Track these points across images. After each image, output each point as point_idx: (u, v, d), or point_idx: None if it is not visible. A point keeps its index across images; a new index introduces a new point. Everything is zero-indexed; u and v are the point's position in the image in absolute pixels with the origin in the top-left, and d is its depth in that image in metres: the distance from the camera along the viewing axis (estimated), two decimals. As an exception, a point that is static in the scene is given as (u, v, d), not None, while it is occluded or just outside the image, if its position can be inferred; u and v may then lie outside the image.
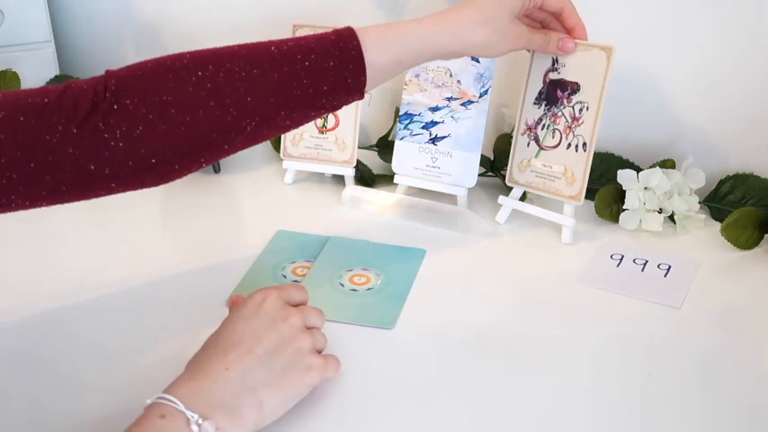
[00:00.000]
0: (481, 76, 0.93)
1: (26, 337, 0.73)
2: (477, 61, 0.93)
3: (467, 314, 0.77)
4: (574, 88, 0.87)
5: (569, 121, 0.87)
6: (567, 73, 0.88)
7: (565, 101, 0.88)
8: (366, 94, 0.73)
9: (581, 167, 0.87)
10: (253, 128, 0.69)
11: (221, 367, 0.59)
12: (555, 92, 0.89)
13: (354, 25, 0.98)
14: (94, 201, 1.01)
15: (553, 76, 0.89)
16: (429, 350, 0.72)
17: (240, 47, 0.69)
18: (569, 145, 0.87)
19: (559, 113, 0.88)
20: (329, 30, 0.73)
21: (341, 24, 1.00)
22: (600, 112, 0.85)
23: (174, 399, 0.56)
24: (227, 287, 0.81)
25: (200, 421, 0.55)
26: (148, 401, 0.57)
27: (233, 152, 0.70)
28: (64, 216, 0.98)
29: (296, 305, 0.68)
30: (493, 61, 0.93)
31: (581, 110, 0.86)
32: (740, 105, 0.92)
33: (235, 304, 0.67)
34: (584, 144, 0.86)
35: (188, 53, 0.68)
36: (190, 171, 0.69)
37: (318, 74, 0.69)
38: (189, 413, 0.55)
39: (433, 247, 0.88)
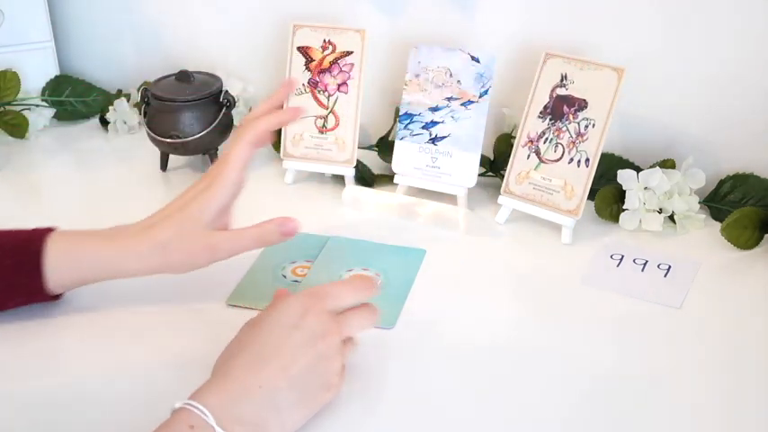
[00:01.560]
0: (481, 76, 0.93)
1: (21, 336, 0.73)
2: (478, 61, 0.93)
3: (466, 314, 0.77)
4: (581, 105, 0.87)
5: (573, 136, 0.87)
6: (575, 89, 0.88)
7: (571, 116, 0.88)
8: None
9: (582, 182, 0.87)
10: None
11: (255, 384, 0.58)
12: (561, 107, 0.89)
13: (355, 26, 0.99)
14: (90, 198, 1.02)
15: (560, 91, 0.89)
16: (429, 350, 0.72)
17: None
18: (571, 160, 0.88)
19: (564, 128, 0.88)
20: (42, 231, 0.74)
21: (340, 25, 1.00)
22: (606, 129, 0.85)
23: (204, 410, 0.55)
24: (227, 287, 0.81)
25: None
26: (177, 405, 0.56)
27: None
28: (62, 216, 0.98)
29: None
30: (493, 61, 0.93)
31: (587, 126, 0.87)
32: (740, 105, 0.92)
33: (279, 298, 0.66)
34: (587, 160, 0.86)
35: None
36: None
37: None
38: (217, 429, 0.54)
39: (433, 247, 0.88)
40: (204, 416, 0.54)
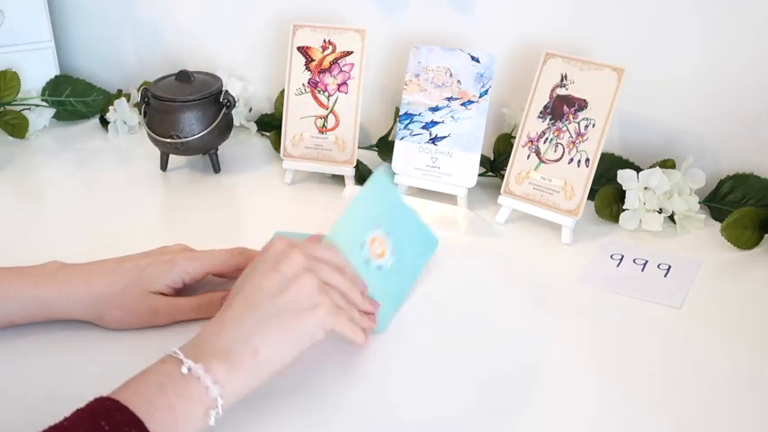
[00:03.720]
0: (481, 76, 0.93)
1: (20, 332, 0.73)
2: (478, 61, 0.93)
3: (466, 314, 0.77)
4: (581, 105, 0.87)
5: (573, 136, 0.87)
6: (575, 89, 0.88)
7: (571, 116, 0.88)
8: None
9: (581, 182, 0.87)
10: None
11: (219, 322, 0.62)
12: (561, 107, 0.89)
13: (355, 26, 0.99)
14: (90, 198, 1.02)
15: (560, 91, 0.89)
16: (429, 349, 0.72)
17: None
18: (571, 160, 0.88)
19: (564, 128, 0.88)
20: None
21: (341, 24, 1.00)
22: (606, 129, 0.85)
23: (176, 349, 0.59)
24: (228, 286, 0.80)
25: (191, 365, 0.57)
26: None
27: None
28: (62, 216, 0.98)
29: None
30: (493, 61, 0.93)
31: (587, 126, 0.87)
32: (740, 105, 0.92)
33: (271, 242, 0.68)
34: (587, 160, 0.86)
35: None
36: None
37: None
38: (183, 359, 0.58)
39: (433, 247, 0.88)
40: (175, 353, 0.58)
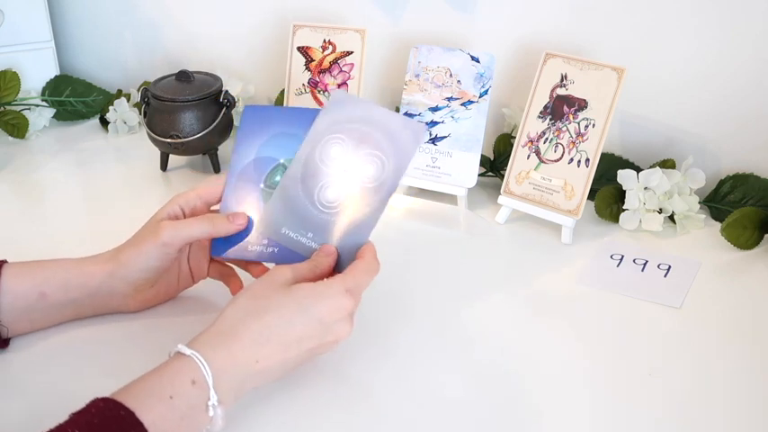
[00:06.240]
0: (481, 76, 0.93)
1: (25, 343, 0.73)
2: (478, 61, 0.93)
3: (466, 314, 0.77)
4: (581, 105, 0.87)
5: (573, 136, 0.87)
6: (575, 90, 0.88)
7: (571, 116, 0.88)
8: None
9: (581, 182, 0.87)
10: None
11: (254, 358, 0.60)
12: (561, 107, 0.89)
13: (355, 26, 0.99)
14: (90, 198, 1.02)
15: (560, 91, 0.89)
16: (429, 350, 0.72)
17: None
18: (571, 160, 0.88)
19: (564, 128, 0.88)
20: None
21: (341, 24, 1.00)
22: (606, 129, 0.85)
23: (209, 371, 0.57)
24: (226, 286, 0.80)
25: (216, 404, 0.57)
26: (186, 352, 0.58)
27: None
28: (62, 216, 0.98)
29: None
30: (493, 61, 0.93)
31: (587, 126, 0.87)
32: (740, 105, 0.92)
33: (332, 281, 0.64)
34: (587, 160, 0.86)
35: None
36: None
37: None
38: (212, 393, 0.57)
39: (433, 247, 0.88)
40: (207, 375, 0.57)
